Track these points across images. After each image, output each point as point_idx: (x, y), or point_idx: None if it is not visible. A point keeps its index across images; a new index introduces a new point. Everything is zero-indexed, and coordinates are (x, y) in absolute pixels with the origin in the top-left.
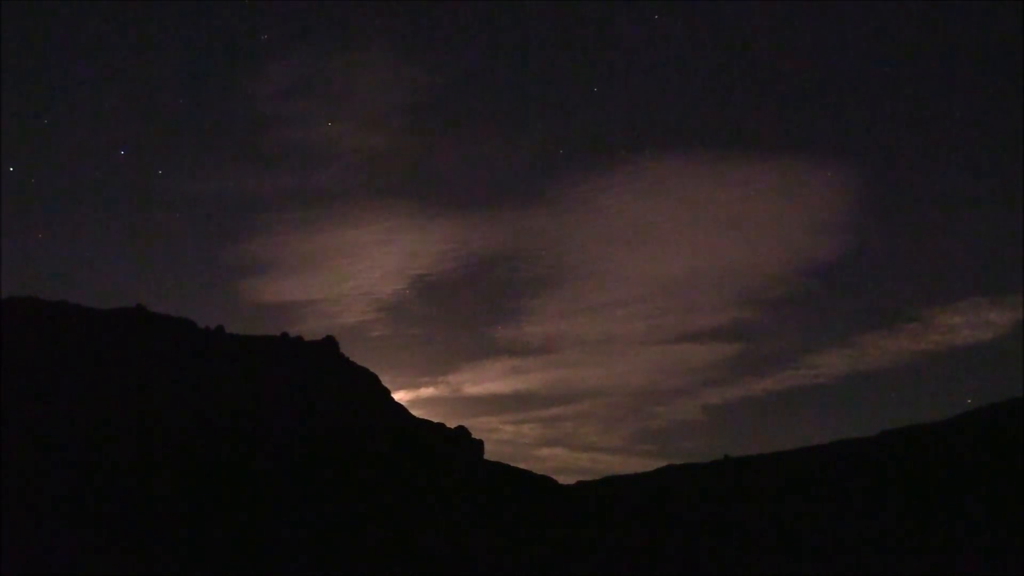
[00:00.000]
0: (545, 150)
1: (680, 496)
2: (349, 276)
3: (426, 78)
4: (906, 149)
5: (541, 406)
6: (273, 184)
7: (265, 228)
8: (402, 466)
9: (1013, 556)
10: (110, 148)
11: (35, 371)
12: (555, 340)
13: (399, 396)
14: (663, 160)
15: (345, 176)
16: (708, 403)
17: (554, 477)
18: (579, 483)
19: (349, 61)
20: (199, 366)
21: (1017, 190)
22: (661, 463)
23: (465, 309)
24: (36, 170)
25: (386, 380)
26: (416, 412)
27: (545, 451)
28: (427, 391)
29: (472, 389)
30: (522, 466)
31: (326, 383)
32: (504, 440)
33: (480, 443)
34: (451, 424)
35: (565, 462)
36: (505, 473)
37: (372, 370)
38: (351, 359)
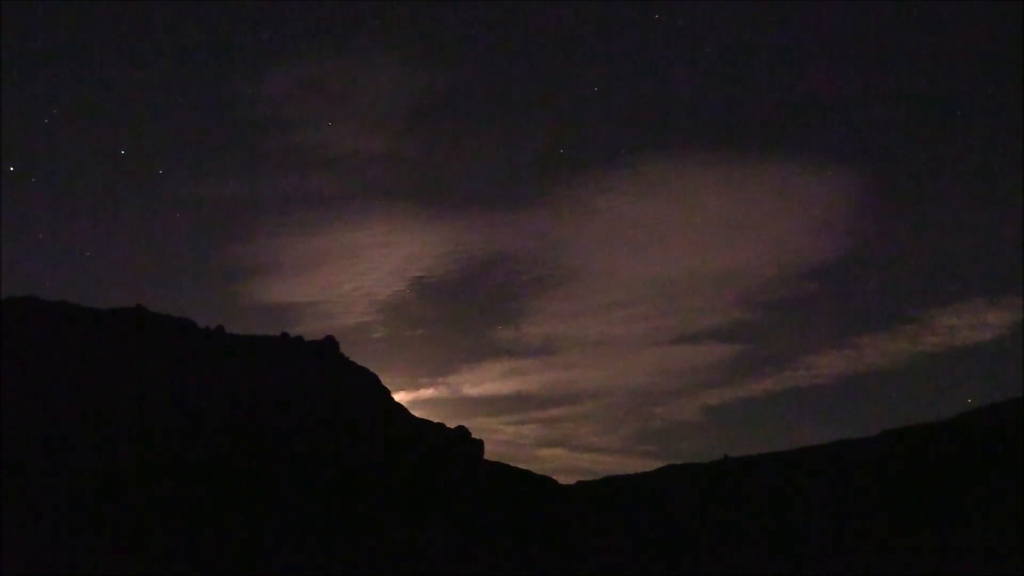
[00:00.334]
0: (545, 153)
1: (680, 496)
2: (349, 277)
3: (426, 81)
4: (905, 151)
5: (541, 407)
6: (273, 186)
7: (265, 230)
8: (402, 466)
9: (1013, 556)
10: (110, 148)
11: (35, 371)
12: (555, 341)
13: (399, 397)
14: (662, 162)
15: (345, 178)
16: (708, 404)
17: (554, 477)
18: (579, 483)
19: (349, 64)
20: (199, 366)
21: (1014, 192)
22: (661, 463)
23: (465, 310)
24: (36, 170)
25: (386, 381)
26: (416, 413)
27: (545, 452)
28: (427, 392)
29: (472, 390)
30: (522, 466)
31: (326, 383)
32: (504, 441)
33: (480, 443)
34: (451, 424)
35: (565, 463)
36: (505, 473)
37: (372, 371)
38: (351, 359)
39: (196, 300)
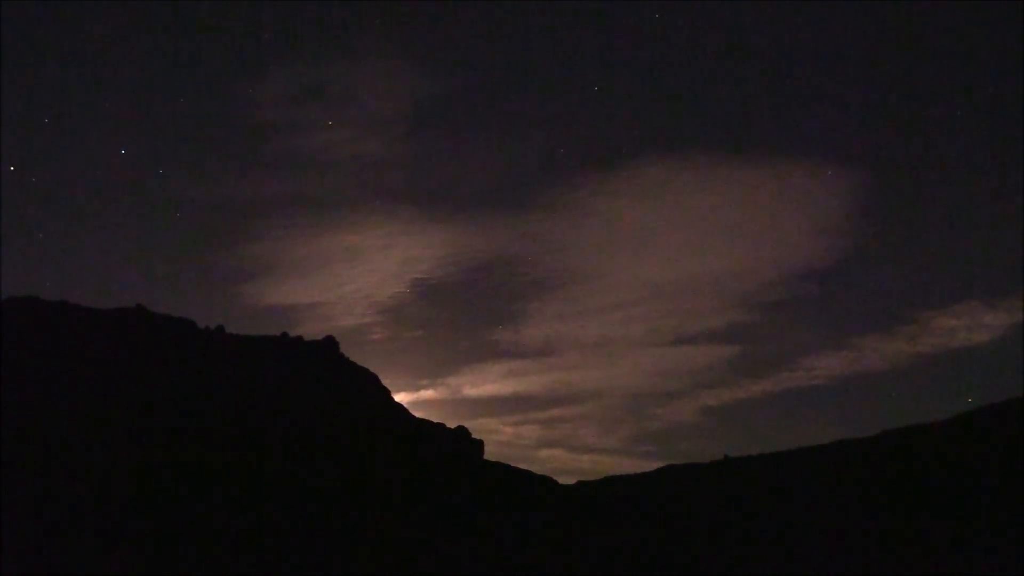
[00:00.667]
0: (544, 155)
1: (680, 496)
2: (349, 280)
3: (426, 85)
4: (903, 154)
5: (540, 408)
6: (274, 189)
7: (266, 232)
8: (402, 465)
9: (1013, 556)
10: (111, 149)
11: (35, 371)
12: (554, 343)
13: (399, 398)
14: (661, 164)
15: (345, 181)
16: (706, 404)
17: (554, 478)
18: (579, 483)
19: (350, 68)
20: (199, 366)
21: (1011, 195)
22: (660, 464)
23: (464, 312)
24: (36, 170)
25: (386, 382)
26: (416, 414)
27: (544, 452)
28: (427, 393)
29: (472, 391)
30: (522, 467)
31: (326, 383)
32: (503, 441)
33: (480, 443)
34: (451, 425)
35: (565, 463)
36: (505, 473)
37: (372, 371)
38: (351, 360)
39: (196, 301)
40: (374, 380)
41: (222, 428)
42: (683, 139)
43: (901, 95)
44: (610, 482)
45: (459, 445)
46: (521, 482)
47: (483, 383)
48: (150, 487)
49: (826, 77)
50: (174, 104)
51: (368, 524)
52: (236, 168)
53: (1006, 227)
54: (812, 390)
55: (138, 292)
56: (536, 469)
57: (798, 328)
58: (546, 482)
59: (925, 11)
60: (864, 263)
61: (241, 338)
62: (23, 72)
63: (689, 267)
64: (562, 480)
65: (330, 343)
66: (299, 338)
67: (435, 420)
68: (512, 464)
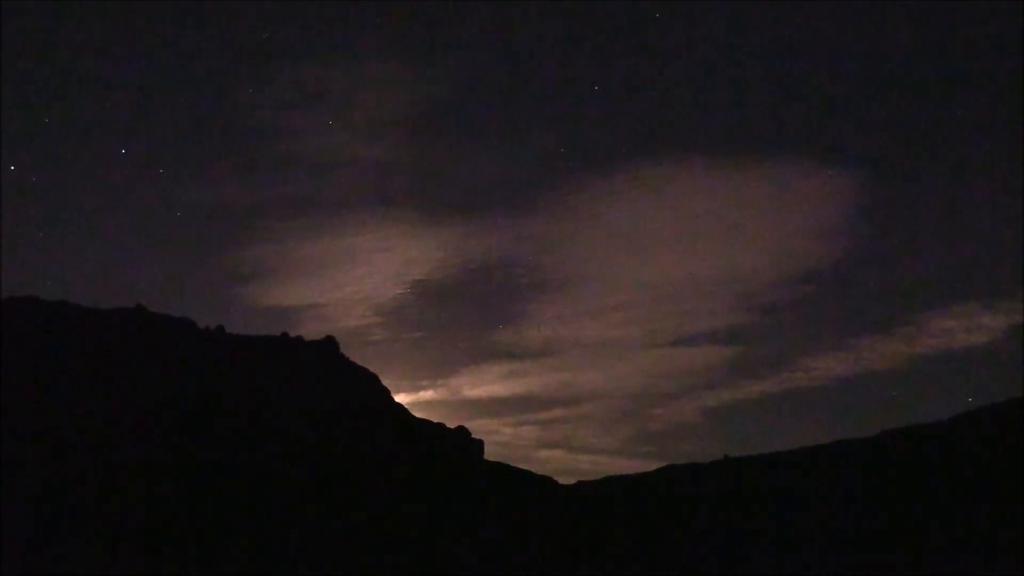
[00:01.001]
0: (543, 158)
1: (680, 496)
2: (349, 281)
3: (426, 89)
4: (902, 155)
5: (540, 408)
6: (274, 191)
7: (265, 234)
8: (402, 465)
9: (1013, 556)
10: (111, 149)
11: (35, 371)
12: (554, 344)
13: (399, 399)
14: (660, 166)
15: (346, 184)
16: (706, 405)
17: (554, 478)
18: (579, 483)
19: (351, 71)
20: (199, 366)
21: (1010, 198)
22: (660, 465)
23: (464, 313)
24: (36, 170)
25: (386, 382)
26: (416, 414)
27: (544, 453)
28: (427, 394)
29: (471, 392)
30: (522, 467)
31: (326, 383)
32: (503, 442)
33: (480, 443)
34: (451, 425)
35: (564, 463)
36: (505, 473)
37: (372, 372)
38: (351, 360)
39: (196, 302)
40: (374, 380)
41: (222, 428)
42: (682, 141)
43: (900, 96)
44: (610, 482)
45: (459, 445)
46: (521, 482)
47: (483, 384)
48: (150, 487)
49: (825, 78)
50: (175, 105)
51: (368, 524)
52: (236, 170)
53: (1004, 229)
54: (812, 391)
55: (138, 292)
56: (536, 469)
57: (797, 329)
58: (546, 482)
59: (924, 12)
60: (862, 265)
61: (241, 338)
62: (23, 72)
63: (688, 269)
64: (562, 480)
65: (330, 343)
66: (299, 338)
67: (435, 420)
68: (512, 464)
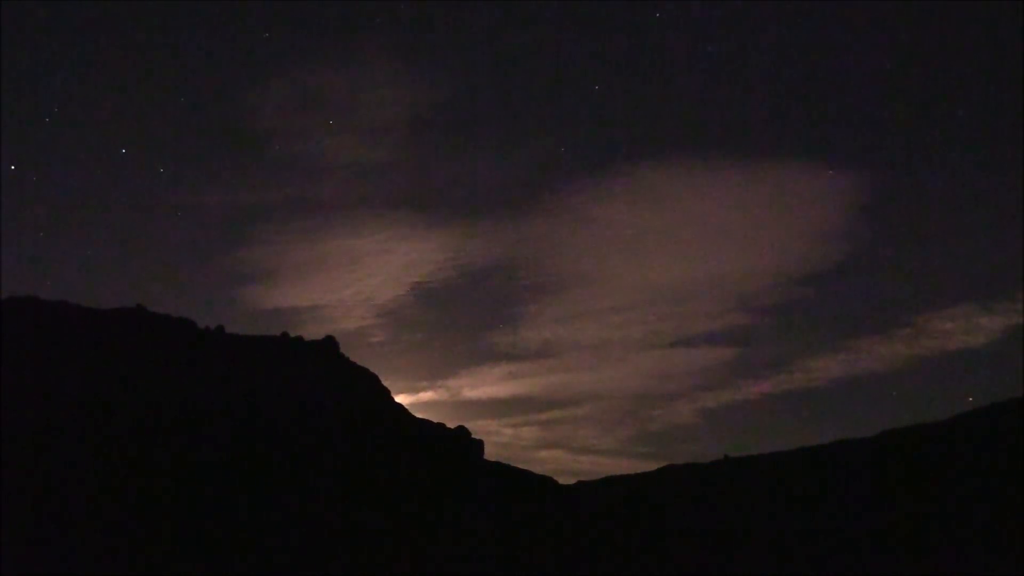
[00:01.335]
0: (542, 160)
1: (680, 495)
2: (349, 283)
3: (425, 91)
4: (901, 157)
5: (539, 409)
6: (274, 194)
7: (265, 237)
8: (403, 465)
9: (1013, 556)
10: (111, 149)
11: (35, 371)
12: (553, 345)
13: (399, 400)
14: (658, 169)
15: (346, 187)
16: (705, 406)
17: (554, 478)
18: (579, 483)
19: (350, 75)
20: (199, 366)
21: (1007, 199)
22: (660, 465)
23: (463, 315)
24: (36, 170)
25: (386, 384)
26: (416, 415)
27: (544, 453)
28: (426, 395)
29: (471, 393)
30: (522, 467)
31: (326, 383)
32: (503, 443)
33: (480, 443)
34: (451, 426)
35: (564, 464)
36: (505, 473)
37: (372, 372)
38: (351, 360)
39: (197, 304)
40: (374, 380)
41: (222, 428)
42: (679, 144)
43: (899, 98)
44: (610, 482)
45: (459, 445)
46: (521, 482)
47: (482, 385)
48: (150, 487)
49: (824, 80)
50: (175, 107)
51: (368, 523)
52: (237, 172)
53: (1001, 231)
54: (810, 392)
55: (138, 293)
56: (536, 470)
57: (796, 330)
58: (546, 482)
59: (924, 11)
60: (861, 266)
61: (241, 338)
62: (23, 72)
63: (687, 271)
64: (562, 480)
65: (330, 343)
66: (299, 338)
67: (435, 421)
68: (512, 465)
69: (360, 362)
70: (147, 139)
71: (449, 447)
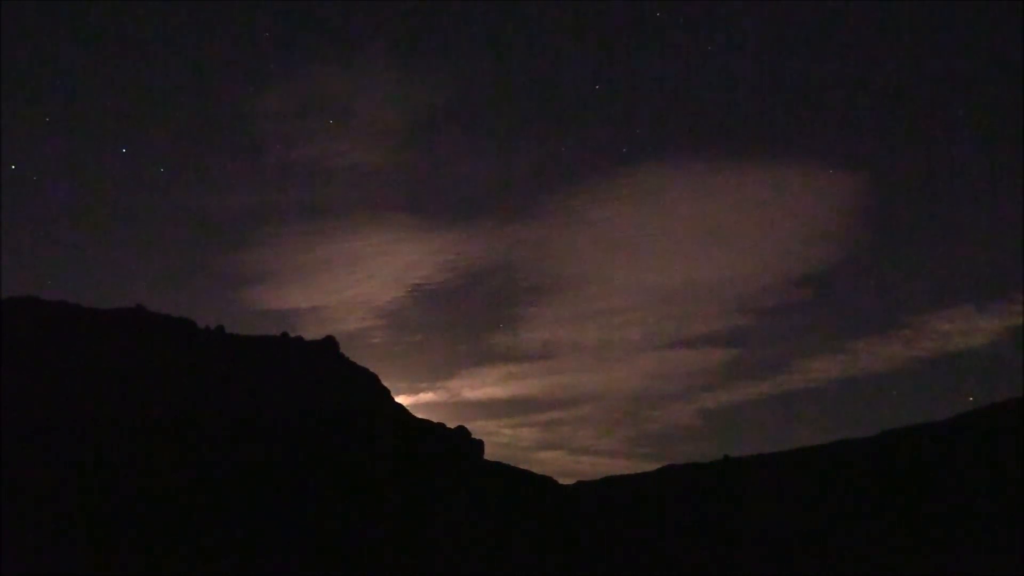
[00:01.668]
0: (541, 162)
1: (680, 496)
2: (349, 285)
3: (424, 95)
4: (899, 159)
5: (539, 410)
6: (275, 197)
7: (265, 239)
8: (403, 465)
9: (1013, 556)
10: (112, 148)
11: (35, 371)
12: (552, 346)
13: (398, 401)
14: (657, 172)
15: (346, 191)
16: (704, 407)
17: (554, 478)
18: (579, 483)
19: (351, 78)
20: (199, 366)
21: (1004, 200)
22: (659, 465)
23: (463, 317)
24: (36, 170)
25: (386, 385)
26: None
27: (544, 454)
28: (426, 396)
29: (471, 394)
30: (522, 468)
31: (326, 383)
32: (503, 443)
33: (480, 443)
34: (451, 426)
35: (564, 465)
36: (505, 473)
37: (372, 372)
38: (351, 360)
39: (197, 305)
40: (374, 380)
41: (222, 428)
42: (678, 147)
43: (898, 100)
44: (610, 482)
45: (459, 444)
46: (521, 482)
47: (482, 386)
48: (150, 487)
49: (824, 80)
50: (176, 109)
51: (368, 523)
52: (238, 175)
53: (998, 232)
54: (809, 392)
55: (138, 295)
56: (536, 470)
57: (795, 332)
58: (546, 482)
59: (924, 12)
60: (859, 268)
61: (241, 338)
62: (23, 72)
63: (686, 272)
64: (561, 481)
65: (330, 343)
66: (299, 338)
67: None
68: (512, 465)
69: (360, 363)
70: (148, 140)
71: (449, 447)
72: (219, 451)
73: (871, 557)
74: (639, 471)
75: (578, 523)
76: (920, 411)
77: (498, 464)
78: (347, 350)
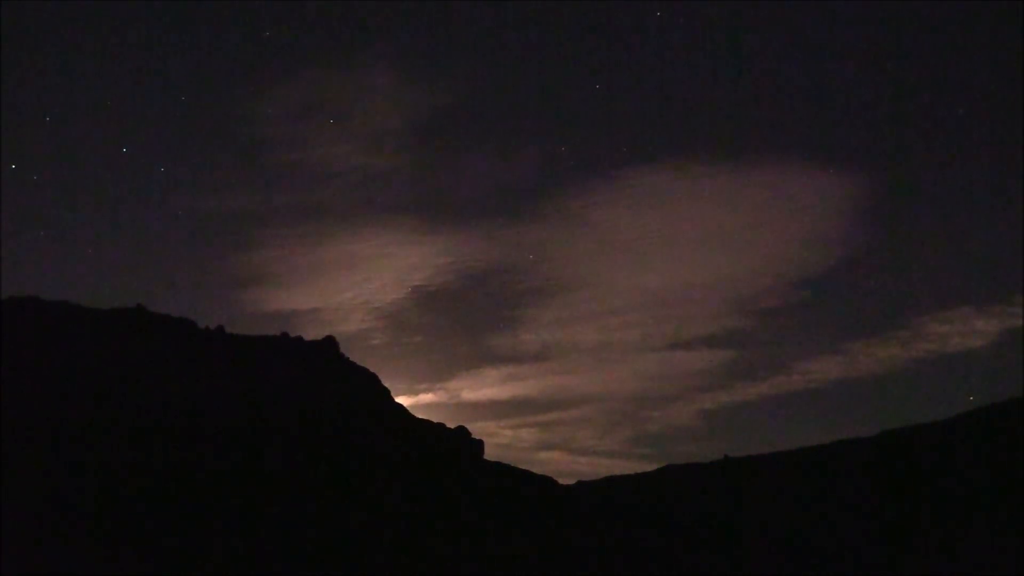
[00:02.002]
0: (541, 164)
1: (680, 495)
2: (349, 286)
3: (424, 98)
4: (898, 160)
5: (539, 411)
6: (275, 199)
7: (267, 241)
8: (403, 465)
9: (1013, 556)
10: (112, 148)
11: (35, 371)
12: (551, 348)
13: (399, 401)
14: (656, 174)
15: (346, 193)
16: (703, 408)
17: (554, 478)
18: (579, 483)
19: (352, 80)
20: (199, 366)
21: (1005, 201)
22: (659, 466)
23: (463, 318)
24: (36, 169)
25: (385, 386)
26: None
27: (543, 455)
28: (426, 397)
29: (470, 395)
30: (522, 468)
31: (326, 383)
32: (503, 444)
33: (480, 443)
34: (450, 427)
35: (564, 465)
36: (505, 473)
37: (372, 372)
38: (351, 360)
39: (198, 306)
40: (374, 380)
41: (222, 428)
42: (680, 145)
43: (898, 101)
44: (610, 482)
45: (459, 444)
46: (521, 482)
47: (481, 387)
48: (150, 487)
49: (823, 81)
50: (177, 110)
51: (367, 523)
52: (239, 177)
53: (997, 234)
54: (808, 394)
55: (138, 295)
56: (536, 471)
57: (793, 333)
58: (546, 482)
59: (923, 12)
60: (857, 269)
61: (241, 338)
62: (23, 72)
63: (685, 274)
64: (562, 481)
65: (330, 343)
66: (299, 338)
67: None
68: (512, 465)
69: (360, 364)
70: (148, 141)
71: (449, 448)
72: (219, 451)
73: (871, 557)
74: (639, 471)
75: (578, 523)
76: (919, 412)
77: (498, 464)
78: (347, 351)
